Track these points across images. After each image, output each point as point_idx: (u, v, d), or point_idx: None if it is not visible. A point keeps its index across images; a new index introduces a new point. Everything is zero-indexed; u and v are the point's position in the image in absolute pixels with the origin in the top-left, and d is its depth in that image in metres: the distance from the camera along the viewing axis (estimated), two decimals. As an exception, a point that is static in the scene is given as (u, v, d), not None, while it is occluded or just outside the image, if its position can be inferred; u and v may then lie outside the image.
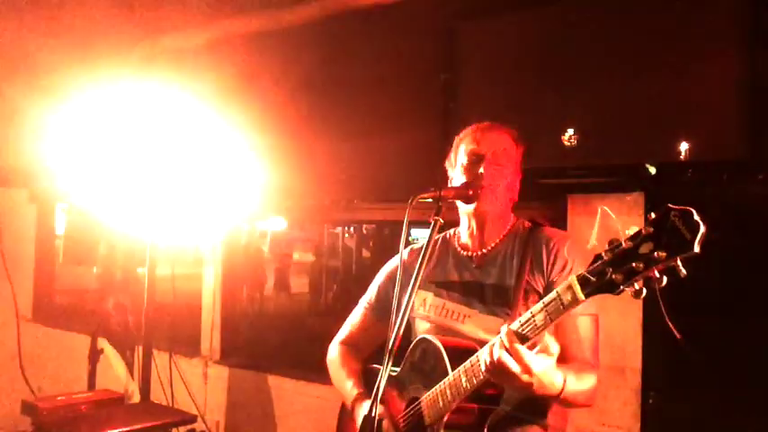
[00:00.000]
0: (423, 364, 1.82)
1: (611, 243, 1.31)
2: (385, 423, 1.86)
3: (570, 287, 1.39)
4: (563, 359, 1.71)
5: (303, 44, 3.49)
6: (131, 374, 4.16)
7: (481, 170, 1.85)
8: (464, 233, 1.99)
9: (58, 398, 3.29)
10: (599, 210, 1.73)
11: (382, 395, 1.65)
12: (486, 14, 2.82)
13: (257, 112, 3.58)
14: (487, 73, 2.86)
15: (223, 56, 3.73)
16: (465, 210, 1.92)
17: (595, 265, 1.33)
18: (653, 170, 2.33)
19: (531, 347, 1.49)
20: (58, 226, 5.38)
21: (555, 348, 1.49)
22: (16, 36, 3.94)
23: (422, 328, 1.97)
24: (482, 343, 1.65)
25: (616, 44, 2.47)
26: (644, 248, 1.24)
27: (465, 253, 1.97)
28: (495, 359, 1.49)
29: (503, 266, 1.87)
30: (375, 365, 2.05)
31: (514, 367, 1.47)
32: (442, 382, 1.70)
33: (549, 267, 1.80)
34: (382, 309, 2.10)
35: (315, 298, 16.01)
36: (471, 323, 1.84)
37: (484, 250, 1.93)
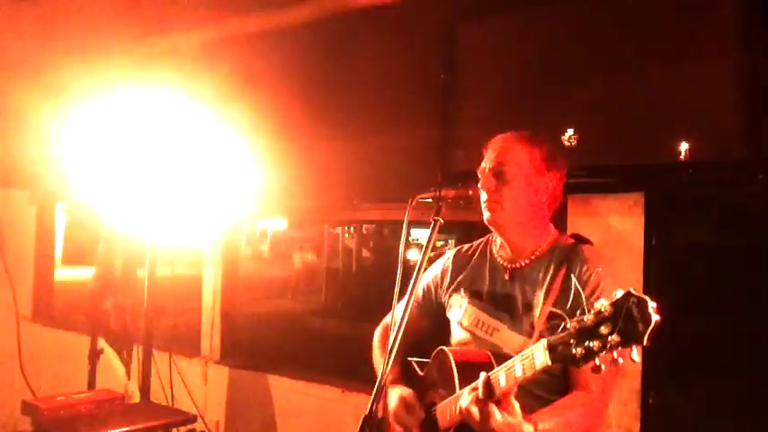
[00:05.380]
0: (441, 373, 1.88)
1: (581, 311, 1.35)
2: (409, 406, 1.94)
3: (542, 350, 1.42)
4: (567, 385, 1.77)
5: (303, 44, 3.49)
6: (128, 374, 4.16)
7: (479, 185, 1.88)
8: (498, 240, 2.00)
9: (58, 398, 3.29)
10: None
11: (413, 390, 1.94)
12: (486, 14, 2.81)
13: (257, 112, 3.58)
14: (487, 73, 2.85)
15: (223, 56, 3.73)
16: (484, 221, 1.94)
17: (563, 334, 1.37)
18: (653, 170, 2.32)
19: (506, 395, 1.54)
20: (58, 226, 5.38)
21: (516, 409, 1.54)
22: (16, 36, 3.94)
23: (455, 334, 2.01)
24: (505, 357, 1.66)
25: (616, 44, 2.47)
26: (603, 329, 1.28)
27: (501, 261, 1.97)
28: (461, 408, 1.60)
29: (534, 284, 1.86)
30: (413, 359, 2.12)
31: (476, 418, 1.55)
32: (451, 397, 1.76)
33: (579, 293, 1.77)
34: (426, 306, 2.14)
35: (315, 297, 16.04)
36: (498, 337, 1.87)
37: (517, 264, 1.92)
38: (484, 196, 1.87)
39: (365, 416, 1.61)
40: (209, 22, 3.73)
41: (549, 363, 1.41)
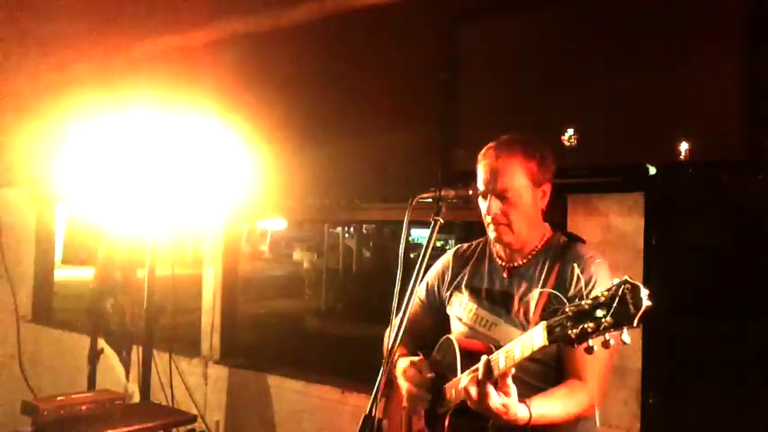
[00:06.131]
0: (444, 359, 1.96)
1: (579, 297, 1.43)
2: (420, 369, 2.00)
3: (541, 330, 1.49)
4: (560, 375, 1.84)
5: (303, 44, 3.49)
6: (127, 375, 4.16)
7: (485, 210, 1.93)
8: (497, 244, 2.04)
9: (58, 398, 3.29)
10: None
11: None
12: (487, 14, 2.82)
13: (257, 112, 3.58)
14: (487, 73, 2.85)
15: (224, 55, 3.73)
16: (490, 239, 2.00)
17: (560, 316, 1.45)
18: (653, 170, 2.33)
19: (503, 377, 1.61)
20: (57, 226, 5.38)
21: (513, 391, 1.62)
22: (16, 36, 3.94)
23: (456, 328, 2.09)
24: None
25: (616, 44, 2.47)
26: (598, 312, 1.36)
27: (499, 262, 2.04)
28: (461, 387, 1.69)
29: (530, 280, 1.94)
30: (422, 351, 2.18)
31: (475, 397, 1.64)
32: (452, 381, 1.83)
33: (573, 286, 1.84)
34: (430, 304, 2.22)
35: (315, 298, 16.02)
36: (497, 331, 1.94)
37: (515, 263, 1.99)
38: (489, 219, 1.94)
39: (365, 416, 1.62)
40: (210, 21, 3.73)
41: (547, 343, 1.47)
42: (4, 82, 4.47)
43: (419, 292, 2.23)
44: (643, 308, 1.30)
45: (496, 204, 1.91)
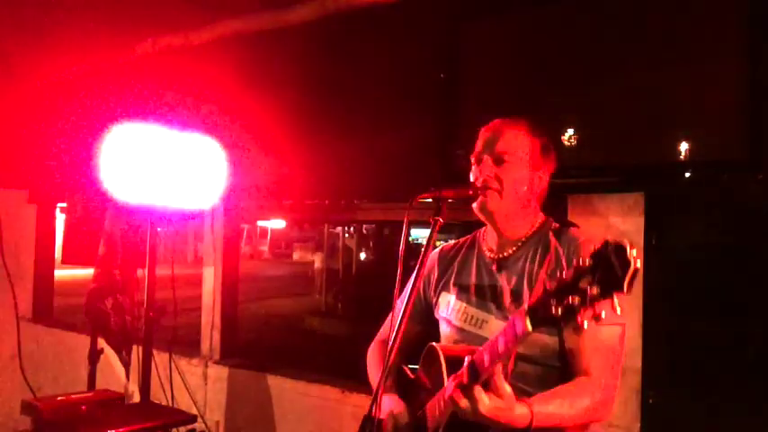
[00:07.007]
0: (431, 370, 1.82)
1: (559, 271, 1.30)
2: (397, 420, 1.90)
3: (522, 316, 1.34)
4: (570, 370, 1.71)
5: (303, 44, 3.49)
6: (127, 375, 4.16)
7: (477, 171, 1.86)
8: (488, 234, 1.97)
9: (58, 398, 3.29)
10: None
11: (404, 395, 1.92)
12: (487, 14, 2.82)
13: (257, 112, 3.58)
14: (488, 73, 2.86)
15: (224, 56, 3.73)
16: (474, 208, 1.88)
17: (542, 295, 1.30)
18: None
19: (492, 376, 1.48)
20: (58, 226, 5.38)
21: (506, 390, 1.49)
22: (16, 35, 3.94)
23: (445, 332, 1.98)
24: None
25: (616, 44, 2.47)
26: (583, 282, 1.21)
27: (489, 254, 1.94)
28: (447, 396, 1.55)
29: (522, 271, 1.84)
30: (409, 366, 2.08)
31: (463, 405, 1.50)
32: (437, 394, 1.72)
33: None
34: (417, 309, 2.08)
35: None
36: (488, 329, 1.83)
37: (505, 254, 1.90)
38: (479, 182, 1.84)
39: (365, 416, 1.61)
40: (210, 22, 3.74)
41: (530, 329, 1.33)
42: (5, 81, 4.47)
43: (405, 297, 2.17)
44: (632, 268, 1.15)
45: (490, 168, 1.82)
